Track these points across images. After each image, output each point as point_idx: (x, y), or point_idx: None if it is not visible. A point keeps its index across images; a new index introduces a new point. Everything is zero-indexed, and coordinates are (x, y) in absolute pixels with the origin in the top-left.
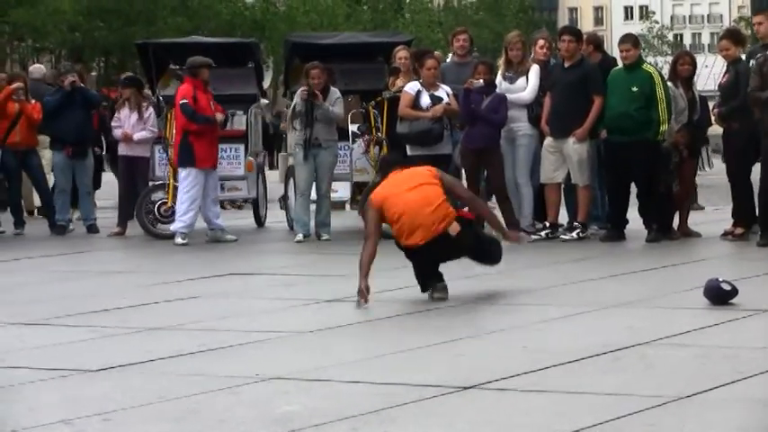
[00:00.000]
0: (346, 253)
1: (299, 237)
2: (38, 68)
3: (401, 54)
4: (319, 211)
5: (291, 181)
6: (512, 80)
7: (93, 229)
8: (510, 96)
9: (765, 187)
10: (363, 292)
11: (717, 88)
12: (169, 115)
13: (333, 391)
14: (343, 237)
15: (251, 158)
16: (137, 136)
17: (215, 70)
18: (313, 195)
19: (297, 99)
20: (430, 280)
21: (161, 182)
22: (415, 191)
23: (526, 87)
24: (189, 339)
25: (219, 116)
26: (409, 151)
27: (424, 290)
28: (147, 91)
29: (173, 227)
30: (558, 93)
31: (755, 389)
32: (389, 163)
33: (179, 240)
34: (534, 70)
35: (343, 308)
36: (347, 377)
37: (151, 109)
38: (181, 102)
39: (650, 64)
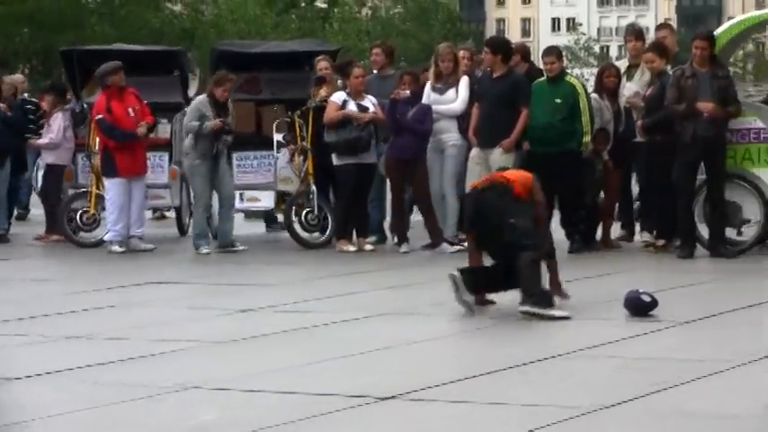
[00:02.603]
0: (264, 263)
1: (205, 249)
2: None
3: (321, 65)
4: (228, 219)
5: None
6: (441, 91)
7: (2, 239)
8: (440, 108)
9: (684, 199)
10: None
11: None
12: (93, 124)
13: (250, 401)
14: (262, 246)
15: (175, 167)
16: (38, 142)
17: (140, 78)
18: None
19: (208, 128)
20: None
21: (83, 189)
22: None
23: (456, 99)
24: (107, 348)
25: (141, 130)
26: (336, 160)
27: None
28: (71, 97)
29: (107, 237)
30: (486, 103)
31: (673, 400)
32: None
33: (116, 248)
34: (464, 81)
35: (262, 317)
36: (265, 386)
37: (59, 115)
38: (96, 118)
39: (573, 76)
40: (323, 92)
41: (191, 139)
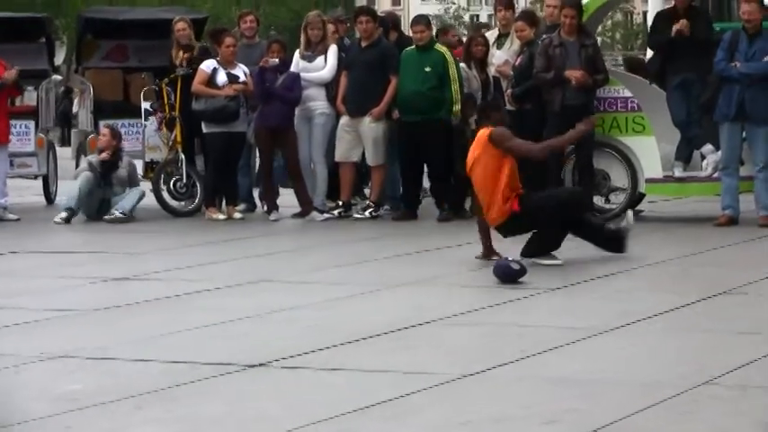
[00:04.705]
0: (133, 231)
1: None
2: None
3: (179, 26)
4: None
5: (83, 157)
6: (310, 59)
7: None
8: (309, 75)
9: (553, 168)
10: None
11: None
12: None
13: (117, 370)
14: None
15: (41, 135)
16: None
17: (5, 45)
18: None
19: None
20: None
21: None
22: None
23: (324, 67)
24: None
25: (10, 73)
26: (204, 128)
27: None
28: None
29: None
30: (355, 72)
31: (541, 367)
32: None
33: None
34: (333, 50)
35: (130, 286)
36: (132, 355)
37: None
38: None
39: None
40: (181, 54)
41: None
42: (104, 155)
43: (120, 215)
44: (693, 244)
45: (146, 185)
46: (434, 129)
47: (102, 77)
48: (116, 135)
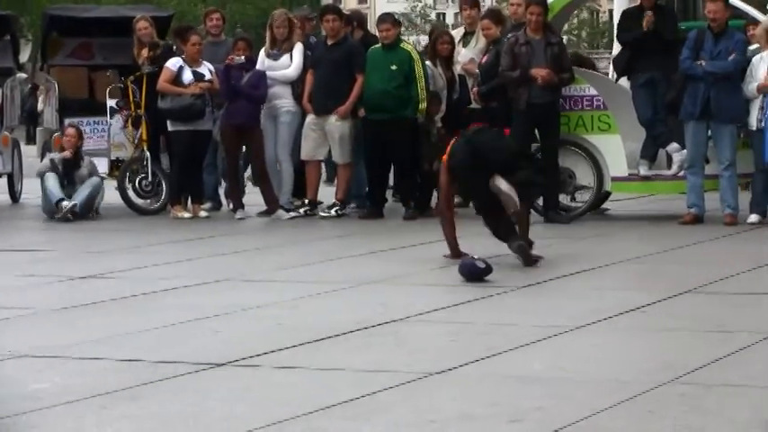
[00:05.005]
0: (98, 230)
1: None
2: None
3: (140, 25)
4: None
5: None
6: (276, 57)
7: None
8: (274, 74)
9: None
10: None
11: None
12: None
13: (84, 369)
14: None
15: (6, 133)
16: None
17: None
18: None
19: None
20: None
21: None
22: None
23: (290, 65)
24: None
25: None
26: (170, 126)
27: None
28: None
29: None
30: (321, 70)
31: (506, 365)
32: None
33: None
34: (298, 48)
35: (95, 284)
36: (97, 354)
37: None
38: None
39: (408, 43)
40: (144, 52)
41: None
42: (67, 153)
43: (71, 206)
44: (659, 242)
45: (111, 183)
46: (400, 127)
47: (67, 75)
48: (80, 134)
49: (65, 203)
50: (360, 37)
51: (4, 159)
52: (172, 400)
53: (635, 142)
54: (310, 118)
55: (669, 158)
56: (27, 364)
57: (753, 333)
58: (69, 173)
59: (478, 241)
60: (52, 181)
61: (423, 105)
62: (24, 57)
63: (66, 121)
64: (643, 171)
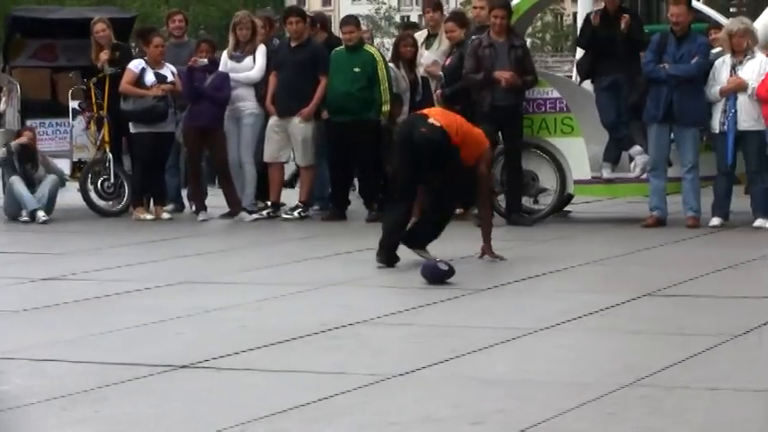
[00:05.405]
0: (60, 231)
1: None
2: None
3: (98, 27)
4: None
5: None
6: (239, 59)
7: None
8: (237, 76)
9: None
10: None
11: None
12: None
13: (45, 370)
14: (56, 214)
15: None
16: None
17: None
18: None
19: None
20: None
21: None
22: None
23: (253, 67)
24: None
25: None
26: (132, 128)
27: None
28: None
29: None
30: (285, 72)
31: (469, 367)
32: None
33: None
34: (261, 50)
35: (58, 286)
36: (60, 356)
37: None
38: None
39: (372, 45)
40: (103, 55)
41: None
42: (23, 138)
43: (44, 220)
44: (621, 245)
45: (73, 185)
46: (364, 129)
47: (29, 76)
48: (35, 137)
49: (41, 215)
50: (323, 39)
51: None
52: (134, 403)
53: (598, 145)
54: (273, 120)
55: (632, 161)
56: None
57: (714, 336)
58: (23, 160)
59: (441, 243)
60: (19, 185)
61: (386, 108)
62: None
63: (28, 123)
64: (606, 174)
